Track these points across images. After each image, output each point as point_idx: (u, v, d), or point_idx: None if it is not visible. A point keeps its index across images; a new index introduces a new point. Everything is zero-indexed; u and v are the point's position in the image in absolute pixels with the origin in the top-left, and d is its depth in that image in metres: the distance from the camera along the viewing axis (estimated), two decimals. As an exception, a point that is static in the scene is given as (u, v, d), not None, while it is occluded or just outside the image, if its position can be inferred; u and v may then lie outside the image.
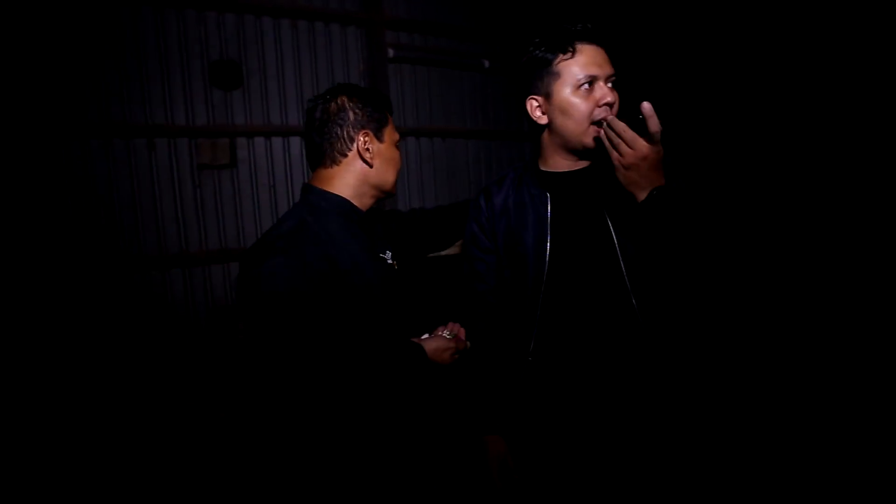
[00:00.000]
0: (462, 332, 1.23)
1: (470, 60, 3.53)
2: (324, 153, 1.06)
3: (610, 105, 0.95)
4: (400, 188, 3.36)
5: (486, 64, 3.55)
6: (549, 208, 1.03)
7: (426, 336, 1.21)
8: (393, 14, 3.24)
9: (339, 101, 1.05)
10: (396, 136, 1.14)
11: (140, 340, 2.40)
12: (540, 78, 0.99)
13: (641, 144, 0.86)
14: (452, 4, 3.47)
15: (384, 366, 1.04)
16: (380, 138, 1.08)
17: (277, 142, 2.89)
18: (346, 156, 1.06)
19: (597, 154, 0.97)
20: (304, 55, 2.97)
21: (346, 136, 1.05)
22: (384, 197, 1.16)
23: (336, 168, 1.07)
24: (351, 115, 1.05)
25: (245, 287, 0.97)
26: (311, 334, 0.92)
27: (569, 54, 0.96)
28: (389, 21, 3.21)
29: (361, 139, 1.05)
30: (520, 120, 3.87)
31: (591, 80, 0.95)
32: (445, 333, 1.21)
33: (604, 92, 0.95)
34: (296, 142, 2.93)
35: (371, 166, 1.07)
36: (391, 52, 3.19)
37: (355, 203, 1.08)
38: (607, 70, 0.97)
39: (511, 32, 3.72)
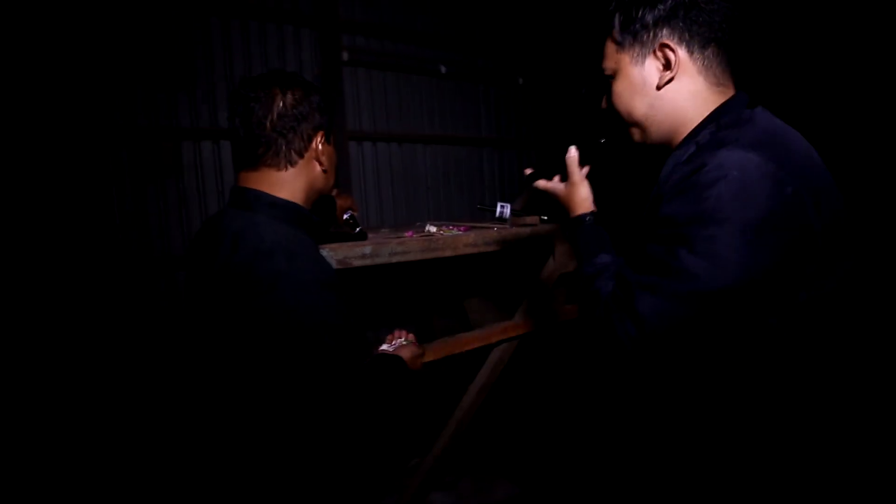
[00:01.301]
0: (413, 336, 1.19)
1: (426, 65, 3.52)
2: (277, 153, 0.91)
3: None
4: (357, 194, 3.30)
5: (443, 69, 3.55)
6: None
7: (386, 346, 1.15)
8: (348, 17, 3.18)
9: (296, 95, 0.92)
10: (333, 136, 1.05)
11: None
12: None
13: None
14: (409, 9, 3.45)
15: (378, 382, 0.97)
16: (329, 140, 0.99)
17: (226, 145, 2.78)
18: (301, 157, 0.93)
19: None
20: (255, 58, 2.87)
21: (304, 134, 0.92)
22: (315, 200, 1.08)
23: (291, 170, 0.93)
24: (309, 111, 0.93)
25: (250, 298, 0.82)
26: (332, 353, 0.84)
27: None
28: (345, 24, 3.15)
29: (319, 139, 0.95)
30: (478, 125, 3.91)
31: None
32: (402, 341, 1.16)
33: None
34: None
35: (325, 170, 0.98)
36: (346, 56, 3.14)
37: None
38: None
39: (467, 39, 3.74)
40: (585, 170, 1.02)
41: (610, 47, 0.88)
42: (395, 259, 1.47)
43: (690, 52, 0.82)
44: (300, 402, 0.82)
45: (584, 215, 0.99)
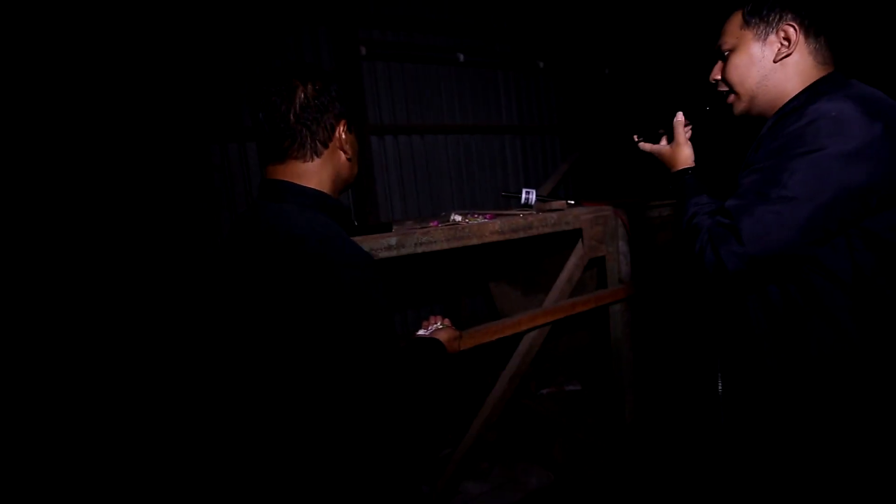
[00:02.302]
0: (448, 321, 1.19)
1: (444, 54, 3.49)
2: (303, 144, 0.93)
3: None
4: (380, 187, 3.32)
5: (461, 57, 3.52)
6: None
7: (423, 332, 1.16)
8: (364, 11, 3.18)
9: (316, 85, 0.93)
10: (355, 125, 1.07)
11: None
12: None
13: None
14: (424, -1, 3.42)
15: (420, 363, 0.98)
16: (350, 129, 1.00)
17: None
18: (326, 147, 0.95)
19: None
20: (273, 59, 2.90)
21: (327, 124, 0.94)
22: (345, 191, 1.09)
23: (317, 161, 0.95)
24: (330, 100, 0.94)
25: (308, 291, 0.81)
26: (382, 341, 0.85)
27: None
28: (361, 18, 3.15)
29: (341, 128, 0.96)
30: (499, 112, 3.87)
31: None
32: (438, 324, 1.17)
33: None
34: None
35: (350, 159, 0.99)
36: (363, 50, 3.14)
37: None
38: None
39: (484, 25, 3.69)
40: (687, 131, 1.18)
41: (734, 25, 1.03)
42: (420, 249, 1.47)
43: (807, 36, 0.98)
44: (345, 387, 0.82)
45: (686, 169, 1.12)
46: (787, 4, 0.98)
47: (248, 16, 2.81)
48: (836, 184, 0.83)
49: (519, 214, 1.80)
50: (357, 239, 1.40)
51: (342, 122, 0.96)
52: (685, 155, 1.14)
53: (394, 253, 1.45)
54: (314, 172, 0.95)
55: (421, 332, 1.15)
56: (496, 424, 2.33)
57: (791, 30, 0.97)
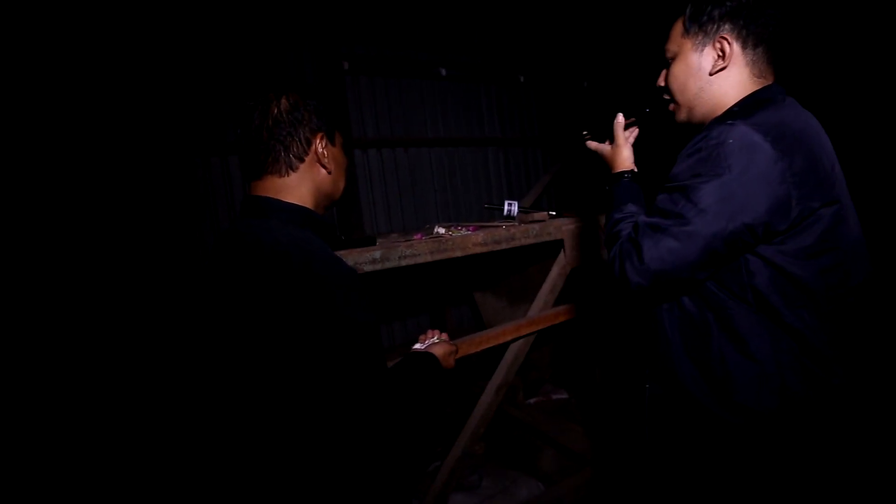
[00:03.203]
0: (445, 336, 1.19)
1: (427, 69, 3.53)
2: (277, 159, 0.92)
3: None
4: (364, 200, 3.32)
5: (443, 72, 3.56)
6: None
7: (419, 346, 1.15)
8: (347, 26, 3.22)
9: (290, 99, 0.93)
10: (342, 139, 1.05)
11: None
12: None
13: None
14: (406, 15, 3.47)
15: (411, 379, 0.96)
16: (332, 142, 0.98)
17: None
18: (303, 161, 0.93)
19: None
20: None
21: (302, 138, 0.92)
22: (330, 206, 1.06)
23: (293, 176, 0.93)
24: (305, 114, 0.93)
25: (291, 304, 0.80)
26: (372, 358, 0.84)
27: None
28: (343, 33, 3.18)
29: (318, 142, 0.94)
30: (481, 125, 3.92)
31: None
32: (434, 339, 1.16)
33: None
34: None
35: (329, 172, 0.97)
36: (346, 65, 3.16)
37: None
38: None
39: (466, 40, 3.75)
40: (630, 134, 1.19)
41: (676, 32, 1.02)
42: (405, 262, 1.48)
43: (744, 47, 0.96)
44: (331, 404, 0.81)
45: (623, 172, 1.13)
46: (724, 15, 0.96)
47: (232, 30, 2.82)
48: (728, 214, 0.84)
49: (502, 226, 1.83)
50: (342, 253, 1.41)
51: (319, 135, 0.94)
52: (623, 157, 1.15)
53: (378, 266, 1.46)
54: (292, 187, 0.93)
55: (417, 346, 1.15)
56: (484, 435, 2.33)
57: (726, 43, 0.96)
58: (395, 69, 3.40)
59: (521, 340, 1.84)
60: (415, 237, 1.71)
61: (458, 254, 1.62)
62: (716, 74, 0.98)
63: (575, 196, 4.13)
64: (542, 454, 2.37)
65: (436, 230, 1.77)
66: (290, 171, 0.93)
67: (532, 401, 2.81)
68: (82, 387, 2.25)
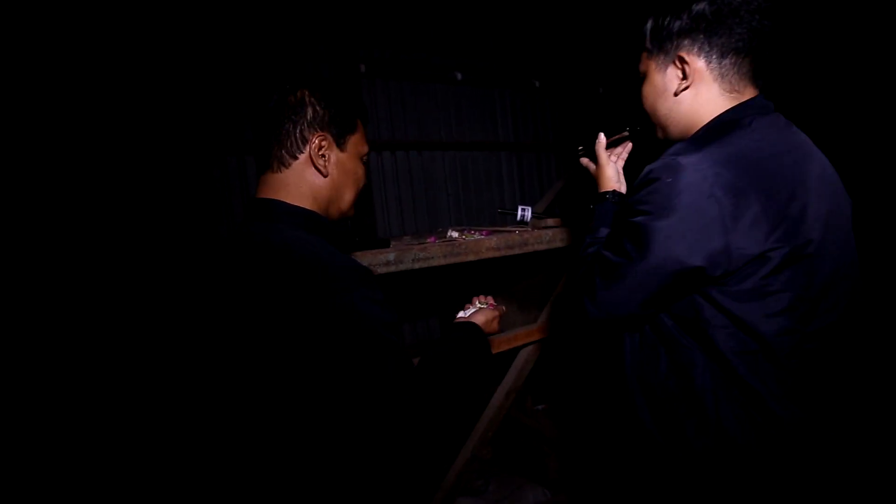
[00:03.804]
0: (491, 299, 1.20)
1: (442, 73, 3.55)
2: (271, 153, 0.88)
3: None
4: (378, 203, 3.34)
5: (459, 76, 3.58)
6: None
7: (462, 314, 1.14)
8: (364, 30, 3.25)
9: (298, 94, 0.87)
10: (364, 150, 0.96)
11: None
12: None
13: None
14: (423, 18, 3.50)
15: (450, 364, 0.90)
16: (341, 146, 0.91)
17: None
18: (296, 158, 0.88)
19: None
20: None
21: (298, 134, 0.87)
22: (337, 219, 0.97)
23: (285, 172, 0.88)
24: (309, 111, 0.87)
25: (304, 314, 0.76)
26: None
27: None
28: (361, 37, 3.22)
29: (316, 142, 0.87)
30: (495, 130, 3.93)
31: None
32: (478, 304, 1.17)
33: None
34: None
35: (325, 175, 0.89)
36: (363, 68, 3.19)
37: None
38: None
39: (482, 44, 3.77)
40: (623, 150, 1.18)
41: (644, 53, 0.96)
42: (418, 265, 1.49)
43: (708, 62, 0.88)
44: (351, 407, 0.77)
45: (605, 192, 1.11)
46: (682, 30, 0.88)
47: (250, 32, 2.86)
48: (663, 258, 0.80)
49: (515, 231, 1.83)
50: (355, 255, 1.42)
51: (319, 135, 0.87)
52: (606, 176, 1.13)
53: (392, 269, 1.47)
54: (289, 185, 0.88)
55: (461, 314, 1.15)
56: (492, 440, 2.33)
57: (685, 63, 0.88)
58: (410, 72, 3.43)
59: (531, 346, 1.84)
60: (428, 240, 1.72)
61: (472, 258, 1.62)
62: (681, 94, 0.91)
63: (588, 203, 4.11)
64: (549, 460, 2.36)
65: (449, 234, 1.78)
66: (282, 168, 0.88)
67: (540, 407, 2.80)
68: (90, 385, 2.28)
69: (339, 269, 0.79)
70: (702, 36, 0.86)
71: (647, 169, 0.85)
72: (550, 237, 1.82)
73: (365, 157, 0.98)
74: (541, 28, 4.02)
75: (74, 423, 2.20)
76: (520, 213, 1.90)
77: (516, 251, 1.72)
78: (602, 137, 1.15)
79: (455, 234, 1.75)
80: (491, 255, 1.66)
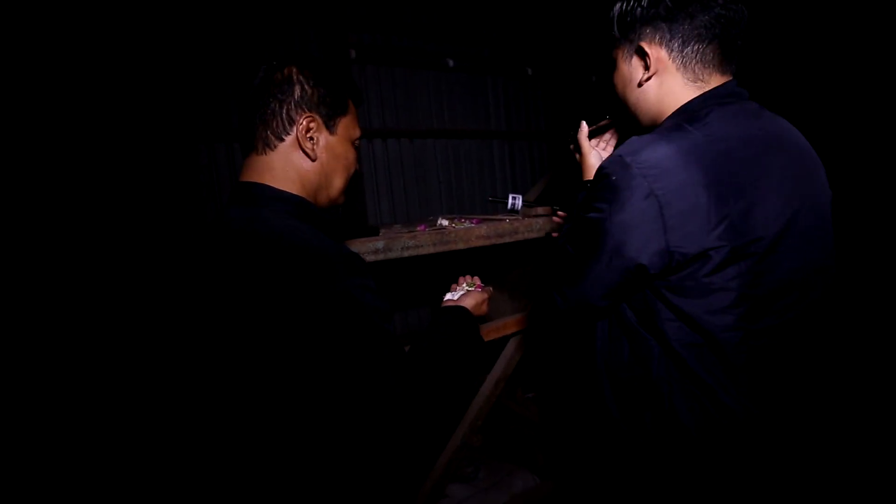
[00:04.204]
0: (478, 280, 1.18)
1: (434, 59, 3.51)
2: (255, 134, 0.83)
3: None
4: (369, 191, 3.32)
5: (451, 63, 3.54)
6: None
7: (450, 296, 1.12)
8: (355, 14, 3.20)
9: (285, 72, 0.82)
10: (356, 134, 0.91)
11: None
12: None
13: None
14: (415, 4, 3.45)
15: (442, 346, 0.88)
16: (331, 128, 0.86)
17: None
18: (282, 140, 0.83)
19: None
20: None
21: (284, 114, 0.82)
22: (327, 206, 0.91)
23: (271, 155, 0.83)
24: (297, 90, 0.82)
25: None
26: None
27: None
28: (352, 21, 3.17)
29: (304, 123, 0.82)
30: (487, 118, 3.90)
31: None
32: (465, 286, 1.16)
33: None
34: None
35: (313, 159, 0.84)
36: (353, 54, 3.14)
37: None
38: None
39: (474, 31, 3.72)
40: (612, 137, 1.18)
41: (613, 43, 0.96)
42: (407, 253, 1.49)
43: (670, 51, 0.87)
44: (343, 399, 0.75)
45: (587, 181, 1.11)
46: (643, 19, 0.87)
47: (238, 18, 2.80)
48: (609, 255, 0.82)
49: (505, 219, 1.82)
50: (345, 243, 1.41)
51: (307, 116, 0.82)
52: (588, 165, 1.12)
53: (381, 257, 1.46)
54: (275, 169, 0.83)
55: (449, 296, 1.13)
56: (482, 428, 2.35)
57: (646, 54, 0.88)
58: (402, 59, 3.38)
59: (520, 335, 1.85)
60: (418, 228, 1.71)
61: (461, 246, 1.62)
62: (646, 84, 0.90)
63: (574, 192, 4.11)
64: (537, 447, 2.38)
65: (439, 222, 1.77)
66: (268, 150, 0.83)
67: (530, 395, 2.82)
68: (73, 383, 2.26)
69: (333, 257, 0.76)
70: (663, 24, 0.85)
71: (601, 164, 0.86)
72: (541, 225, 1.82)
73: (357, 142, 0.93)
74: (534, 15, 3.98)
75: (51, 422, 2.18)
76: (510, 201, 1.90)
77: (506, 239, 1.72)
78: (584, 126, 1.14)
79: (445, 223, 1.75)
80: (481, 243, 1.65)
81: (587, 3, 3.98)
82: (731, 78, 0.88)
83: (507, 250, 1.92)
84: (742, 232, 0.78)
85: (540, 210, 1.95)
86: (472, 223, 1.75)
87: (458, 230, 1.63)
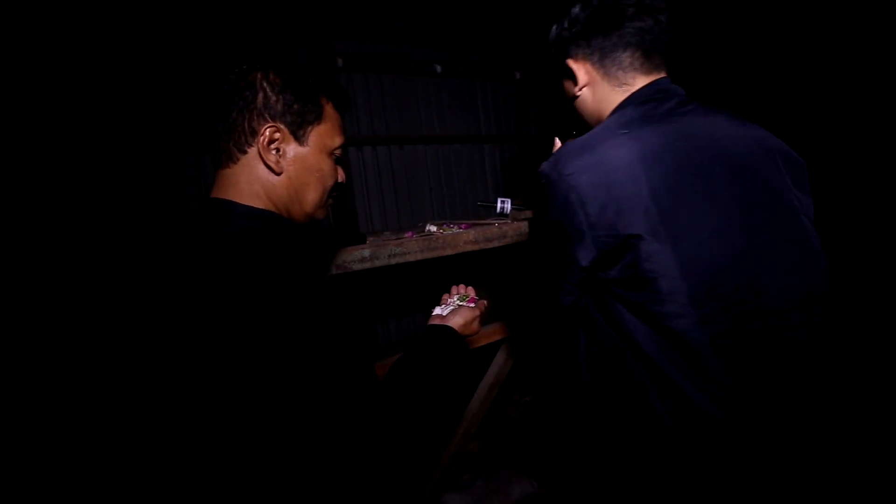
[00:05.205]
0: (472, 291, 1.11)
1: (422, 66, 3.51)
2: (217, 145, 0.77)
3: None
4: (359, 198, 3.31)
5: (439, 69, 3.54)
6: None
7: (438, 310, 1.05)
8: (341, 22, 3.19)
9: (249, 77, 0.76)
10: (334, 143, 0.82)
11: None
12: None
13: None
14: (401, 11, 3.45)
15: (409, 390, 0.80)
16: (299, 138, 0.78)
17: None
18: (245, 153, 0.76)
19: None
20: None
21: (246, 125, 0.75)
22: (305, 222, 0.84)
23: (233, 168, 0.77)
24: (260, 97, 0.75)
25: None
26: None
27: None
28: (338, 29, 3.16)
29: (266, 133, 0.75)
30: (477, 122, 3.90)
31: None
32: (456, 300, 1.08)
33: None
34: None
35: (278, 173, 0.77)
36: (340, 62, 3.14)
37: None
38: None
39: (461, 36, 3.73)
40: None
41: (554, 62, 1.04)
42: (394, 261, 1.47)
43: (593, 64, 0.95)
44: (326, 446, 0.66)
45: None
46: (567, 38, 0.96)
47: (225, 28, 2.80)
48: (556, 253, 0.89)
49: (494, 224, 1.81)
50: (330, 251, 1.39)
51: (270, 126, 0.76)
52: None
53: (367, 265, 1.44)
54: (240, 183, 0.77)
55: (438, 310, 1.07)
56: (480, 434, 2.32)
57: (571, 71, 0.97)
58: (389, 66, 3.38)
59: (511, 340, 1.83)
60: (406, 235, 1.70)
61: (449, 252, 1.60)
62: (581, 94, 0.99)
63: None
64: (535, 452, 2.36)
65: (427, 228, 1.75)
66: (231, 163, 0.77)
67: (528, 399, 2.79)
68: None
69: (259, 317, 0.65)
70: (583, 42, 0.94)
71: (539, 169, 0.92)
72: (529, 229, 1.80)
73: (337, 152, 0.84)
74: (521, 20, 3.99)
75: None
76: (499, 205, 1.88)
77: (495, 244, 1.70)
78: (557, 141, 1.20)
79: (433, 229, 1.73)
80: (469, 248, 1.64)
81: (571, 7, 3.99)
82: (659, 77, 0.93)
83: (504, 253, 1.90)
84: (661, 219, 0.81)
85: (529, 213, 1.93)
86: (460, 228, 1.73)
87: (445, 236, 1.61)
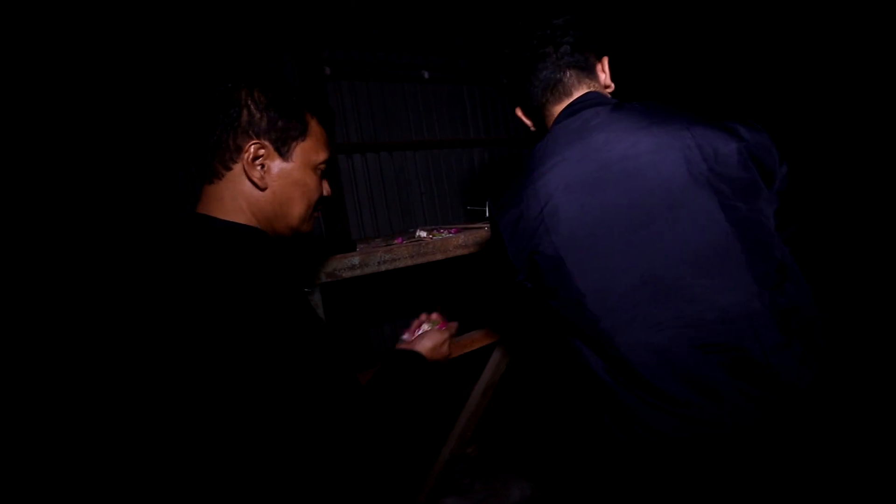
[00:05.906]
0: (437, 316, 1.11)
1: (410, 72, 3.53)
2: (201, 162, 0.79)
3: None
4: (350, 205, 3.31)
5: (426, 75, 3.56)
6: None
7: (406, 336, 1.07)
8: (328, 31, 3.21)
9: (234, 95, 0.78)
10: (319, 158, 0.84)
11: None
12: None
13: None
14: (388, 18, 3.47)
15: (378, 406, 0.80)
16: (284, 154, 0.80)
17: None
18: (230, 169, 0.78)
19: None
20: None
21: (231, 141, 0.77)
22: (289, 235, 0.85)
23: (218, 185, 0.79)
24: (244, 114, 0.77)
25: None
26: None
27: None
28: (325, 38, 3.17)
29: (251, 150, 0.77)
30: (466, 127, 3.91)
31: None
32: (425, 326, 1.09)
33: None
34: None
35: (263, 189, 0.79)
36: (328, 70, 3.15)
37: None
38: None
39: (448, 42, 3.75)
40: None
41: None
42: (384, 267, 1.47)
43: (525, 110, 1.13)
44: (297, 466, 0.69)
45: None
46: (508, 92, 1.15)
47: (211, 39, 2.80)
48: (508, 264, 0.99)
49: (484, 227, 1.82)
50: (320, 259, 1.40)
51: (254, 143, 0.77)
52: None
53: (358, 272, 1.44)
54: (224, 199, 0.78)
55: (405, 336, 1.08)
56: (477, 438, 2.32)
57: (518, 114, 1.15)
58: (377, 73, 3.40)
59: (507, 342, 1.84)
60: (395, 241, 1.70)
61: (439, 257, 1.61)
62: (535, 131, 1.14)
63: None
64: (534, 455, 2.36)
65: (417, 234, 1.76)
66: (216, 179, 0.79)
67: (525, 400, 2.80)
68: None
69: (240, 331, 0.67)
70: (515, 93, 1.11)
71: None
72: (519, 232, 1.82)
73: (322, 166, 0.86)
74: (506, 24, 4.01)
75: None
76: (489, 208, 1.89)
77: (485, 247, 1.71)
78: None
79: (423, 234, 1.74)
80: (459, 252, 1.64)
81: (560, 12, 4.03)
82: (570, 100, 1.02)
83: (488, 258, 1.91)
84: (551, 235, 0.89)
85: (518, 216, 1.95)
86: (450, 233, 1.74)
87: (435, 241, 1.62)
